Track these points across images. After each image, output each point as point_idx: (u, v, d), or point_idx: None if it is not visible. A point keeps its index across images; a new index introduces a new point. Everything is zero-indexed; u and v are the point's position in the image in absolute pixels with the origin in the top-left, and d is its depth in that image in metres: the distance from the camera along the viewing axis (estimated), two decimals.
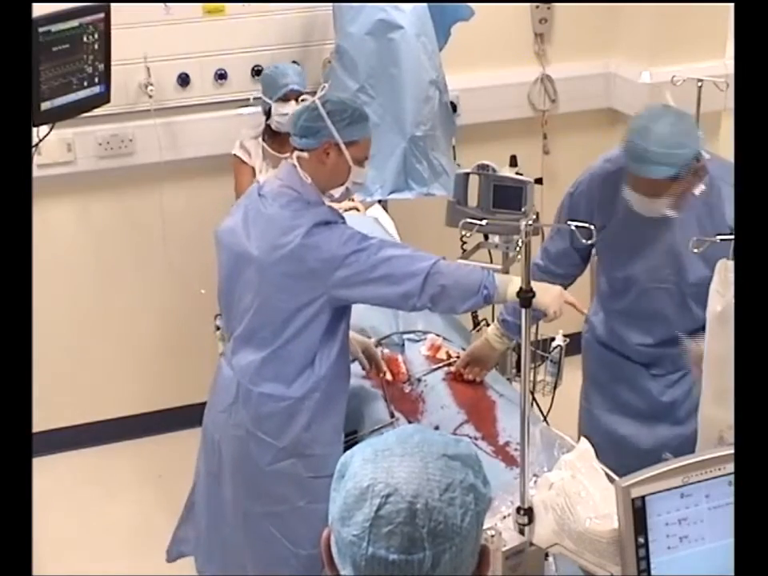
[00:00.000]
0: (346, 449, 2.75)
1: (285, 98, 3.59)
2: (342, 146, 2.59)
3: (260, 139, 3.72)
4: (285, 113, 3.58)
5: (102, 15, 3.07)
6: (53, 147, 3.71)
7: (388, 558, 1.18)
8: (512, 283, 2.49)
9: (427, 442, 1.26)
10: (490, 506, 1.28)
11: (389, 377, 3.00)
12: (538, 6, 4.29)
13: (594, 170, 2.91)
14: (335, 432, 2.74)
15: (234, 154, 3.72)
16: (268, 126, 3.69)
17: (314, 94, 2.71)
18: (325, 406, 2.68)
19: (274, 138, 3.70)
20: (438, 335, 3.18)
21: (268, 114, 3.65)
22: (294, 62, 3.81)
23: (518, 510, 2.04)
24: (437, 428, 2.72)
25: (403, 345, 3.17)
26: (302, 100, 3.55)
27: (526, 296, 2.12)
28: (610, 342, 3.07)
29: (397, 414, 2.86)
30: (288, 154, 3.68)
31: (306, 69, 3.84)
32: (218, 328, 3.42)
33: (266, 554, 2.76)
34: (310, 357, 2.64)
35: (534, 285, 2.22)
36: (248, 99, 3.87)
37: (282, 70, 3.62)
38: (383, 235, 3.63)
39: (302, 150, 2.63)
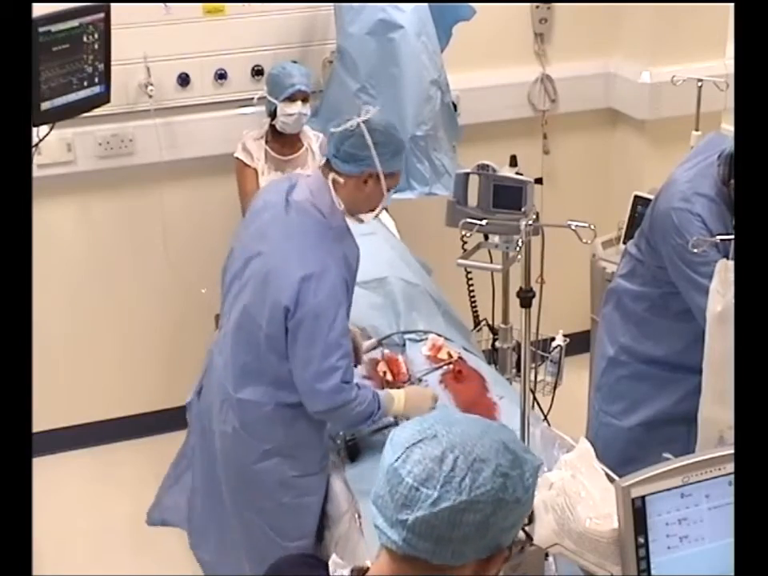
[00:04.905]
0: (348, 449, 2.77)
1: (291, 99, 3.59)
2: (382, 177, 2.55)
3: (263, 141, 3.72)
4: (291, 113, 3.58)
5: (101, 15, 3.08)
6: (53, 147, 3.71)
7: (404, 479, 1.33)
8: (395, 402, 2.71)
9: (498, 428, 1.40)
10: (517, 507, 1.35)
11: (389, 377, 2.99)
12: (537, 6, 4.28)
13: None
14: (321, 435, 2.72)
15: (237, 157, 3.71)
16: (272, 127, 3.69)
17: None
18: (309, 415, 2.65)
19: (277, 139, 3.70)
20: (439, 335, 3.18)
21: (273, 114, 3.65)
22: (294, 61, 3.80)
23: None
24: None
25: (404, 345, 3.17)
26: (304, 100, 3.58)
27: (525, 296, 2.12)
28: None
29: None
30: (290, 156, 3.72)
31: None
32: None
33: (257, 543, 2.77)
34: (288, 368, 2.60)
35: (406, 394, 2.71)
36: (248, 99, 3.87)
37: (288, 71, 3.61)
38: (385, 234, 3.63)
39: (339, 174, 2.57)
